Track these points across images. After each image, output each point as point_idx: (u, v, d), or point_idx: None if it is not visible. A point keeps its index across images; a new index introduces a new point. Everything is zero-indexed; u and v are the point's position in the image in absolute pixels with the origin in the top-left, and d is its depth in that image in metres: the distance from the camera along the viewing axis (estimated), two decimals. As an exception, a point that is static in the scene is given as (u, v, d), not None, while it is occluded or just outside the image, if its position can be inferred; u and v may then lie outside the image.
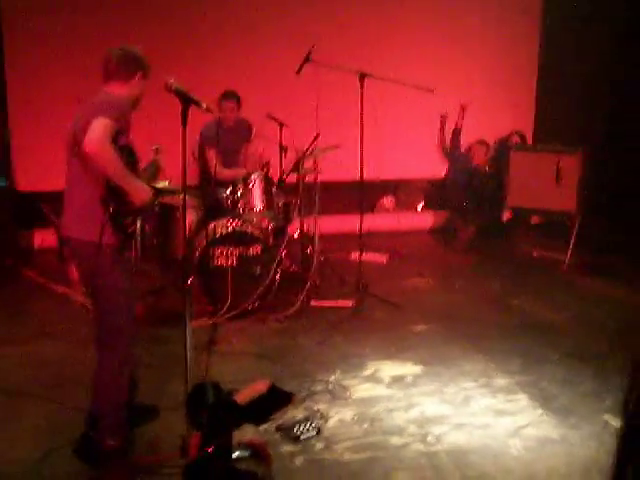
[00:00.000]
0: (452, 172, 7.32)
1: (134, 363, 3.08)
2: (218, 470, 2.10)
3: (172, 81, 2.63)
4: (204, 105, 2.63)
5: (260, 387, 2.15)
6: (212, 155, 5.22)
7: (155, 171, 3.07)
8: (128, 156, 2.70)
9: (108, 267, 2.78)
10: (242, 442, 2.52)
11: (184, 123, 2.54)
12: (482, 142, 7.25)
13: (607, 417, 3.33)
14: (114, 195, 2.68)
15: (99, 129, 2.56)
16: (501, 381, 3.71)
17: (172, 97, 2.70)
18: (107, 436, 2.89)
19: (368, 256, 5.62)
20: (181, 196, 2.74)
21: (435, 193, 7.52)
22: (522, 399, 3.51)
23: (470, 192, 6.99)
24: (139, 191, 2.75)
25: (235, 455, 2.52)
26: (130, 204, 2.75)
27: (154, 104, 3.44)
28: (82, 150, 2.58)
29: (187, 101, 2.59)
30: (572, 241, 5.84)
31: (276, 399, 2.55)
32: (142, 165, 2.95)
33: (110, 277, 2.81)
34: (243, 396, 2.46)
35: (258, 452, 2.51)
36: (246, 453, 2.58)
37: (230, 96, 5.27)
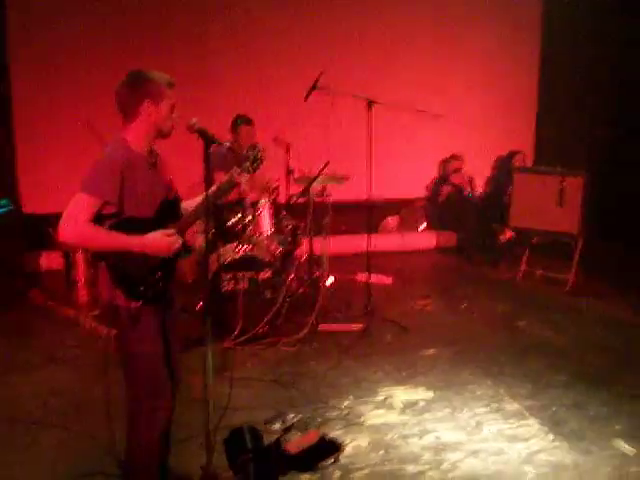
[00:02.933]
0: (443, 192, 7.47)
1: (167, 427, 2.81)
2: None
3: (195, 121, 2.57)
4: (227, 144, 2.63)
5: (312, 437, 2.18)
6: (220, 176, 5.25)
7: (228, 187, 2.82)
8: (163, 210, 2.56)
9: (125, 330, 2.59)
10: None
11: (207, 161, 2.52)
12: (455, 157, 7.42)
13: (617, 442, 3.37)
14: (115, 265, 2.52)
15: (73, 210, 2.41)
16: (512, 406, 3.75)
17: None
18: None
19: (374, 277, 5.68)
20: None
21: (437, 213, 7.61)
22: (533, 424, 3.55)
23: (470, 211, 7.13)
24: (149, 246, 2.52)
25: None
26: (140, 265, 2.54)
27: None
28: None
29: (210, 141, 2.55)
30: (575, 262, 5.91)
31: (324, 448, 2.58)
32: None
33: (127, 341, 2.61)
34: (294, 445, 2.49)
35: None
36: None
37: (249, 121, 5.27)
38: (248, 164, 2.78)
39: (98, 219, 2.46)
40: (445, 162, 7.59)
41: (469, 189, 7.33)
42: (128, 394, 2.70)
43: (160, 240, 2.56)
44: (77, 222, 2.40)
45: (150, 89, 2.54)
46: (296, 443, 2.98)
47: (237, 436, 3.03)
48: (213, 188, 2.70)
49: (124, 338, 2.62)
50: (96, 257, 2.57)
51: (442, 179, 7.53)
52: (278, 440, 2.92)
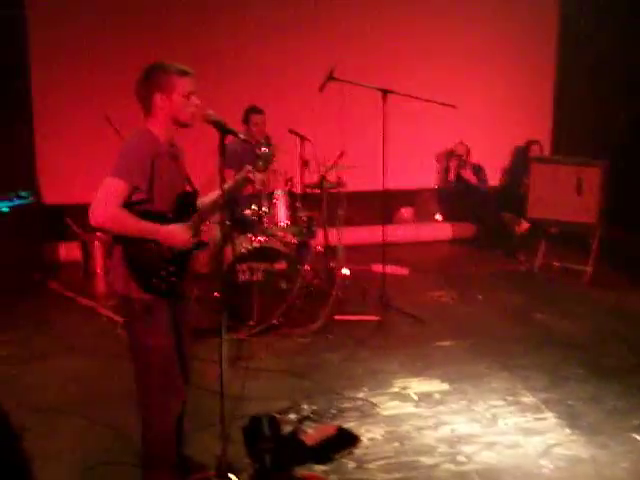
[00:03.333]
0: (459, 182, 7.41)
1: (180, 418, 2.83)
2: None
3: (211, 112, 2.59)
4: (241, 135, 2.63)
5: (330, 430, 2.19)
6: (230, 174, 5.26)
7: (241, 185, 2.86)
8: (181, 202, 2.56)
9: (138, 322, 2.60)
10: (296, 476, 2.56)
11: (223, 153, 2.53)
12: (462, 143, 7.35)
13: (635, 436, 3.34)
14: (132, 254, 2.53)
15: (104, 194, 2.42)
16: (528, 399, 3.73)
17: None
18: None
19: (390, 268, 5.67)
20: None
21: (449, 203, 7.56)
22: (550, 417, 3.53)
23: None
24: (170, 237, 2.55)
25: None
26: (155, 258, 2.56)
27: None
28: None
29: (225, 132, 2.57)
30: (593, 253, 5.85)
31: (342, 441, 2.59)
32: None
33: (140, 333, 2.62)
34: (312, 437, 2.50)
35: None
36: None
37: (260, 111, 5.35)
38: (261, 162, 2.80)
39: (127, 206, 2.48)
40: (448, 153, 7.53)
41: (479, 178, 7.24)
42: (139, 387, 2.71)
43: (180, 232, 2.58)
44: (108, 206, 2.41)
45: (160, 81, 2.54)
46: (314, 435, 2.99)
47: (256, 424, 3.05)
48: (226, 186, 2.70)
49: (136, 330, 2.63)
50: (116, 241, 2.56)
51: (447, 168, 7.45)
52: (295, 431, 2.94)
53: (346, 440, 3.17)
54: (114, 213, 2.43)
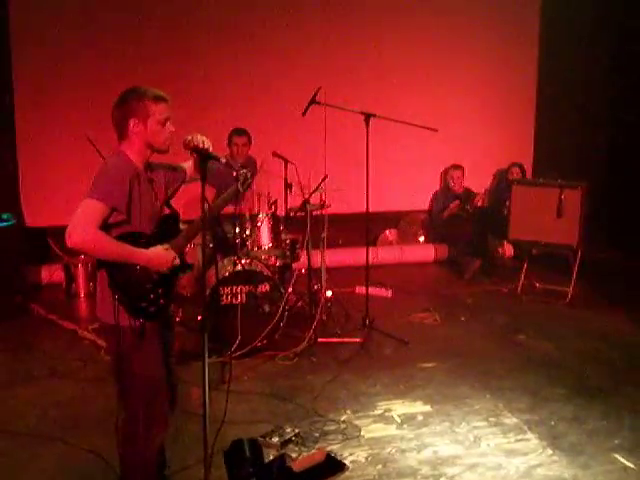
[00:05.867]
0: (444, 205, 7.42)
1: (162, 444, 2.83)
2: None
3: (190, 138, 2.58)
4: (223, 160, 2.63)
5: (318, 457, 2.18)
6: (209, 194, 5.26)
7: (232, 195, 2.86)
8: (162, 225, 2.56)
9: (128, 352, 2.54)
10: None
11: (204, 179, 2.53)
12: (457, 166, 7.40)
13: (617, 456, 3.36)
14: (117, 279, 2.50)
15: (82, 216, 2.38)
16: (510, 420, 3.74)
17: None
18: None
19: (373, 290, 5.70)
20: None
21: (435, 226, 7.60)
22: (532, 438, 3.55)
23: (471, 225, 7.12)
24: (152, 261, 2.54)
25: None
26: (142, 281, 2.55)
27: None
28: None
29: (206, 158, 2.55)
30: (574, 274, 5.92)
31: (329, 467, 2.58)
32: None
33: (131, 363, 2.56)
34: (300, 464, 2.49)
35: None
36: None
37: (242, 132, 5.42)
38: (239, 184, 2.82)
39: (105, 228, 2.46)
40: (445, 172, 7.59)
41: (474, 201, 7.25)
42: (125, 414, 2.67)
43: (163, 255, 2.58)
44: (86, 227, 2.38)
45: (135, 107, 2.52)
46: (302, 462, 2.97)
47: (238, 448, 3.03)
48: (216, 201, 2.72)
49: (127, 360, 2.57)
50: (100, 265, 2.53)
51: (449, 194, 7.45)
52: (282, 456, 2.91)
53: (333, 466, 3.16)
54: (92, 235, 2.39)
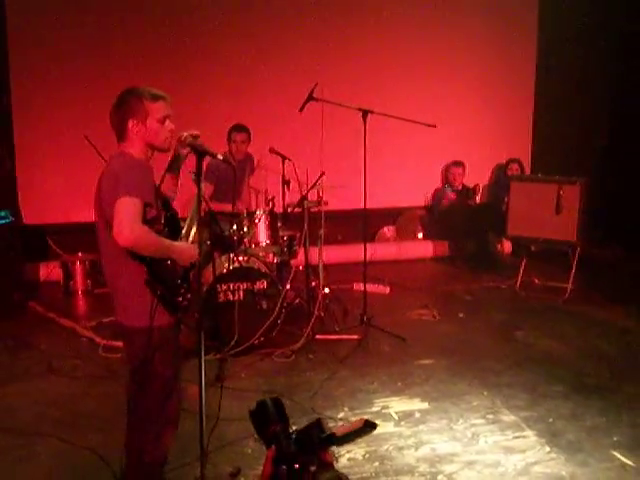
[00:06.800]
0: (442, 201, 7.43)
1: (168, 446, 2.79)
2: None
3: (186, 135, 2.57)
4: (220, 156, 2.61)
5: (358, 424, 2.14)
6: (208, 190, 5.26)
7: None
8: (167, 224, 2.52)
9: (156, 353, 2.51)
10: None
11: (199, 175, 2.52)
12: (458, 163, 7.39)
13: (615, 453, 3.35)
14: (158, 273, 2.47)
15: (125, 214, 2.33)
16: (508, 417, 3.73)
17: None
18: None
19: (371, 287, 5.69)
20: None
21: (433, 222, 7.60)
22: (530, 435, 3.54)
23: (467, 220, 7.12)
24: (183, 254, 2.53)
25: None
26: (174, 275, 2.52)
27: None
28: (114, 239, 2.35)
29: (202, 154, 2.53)
30: (573, 270, 5.91)
31: (365, 429, 2.53)
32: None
33: (152, 364, 2.53)
34: (342, 430, 2.46)
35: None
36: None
37: (242, 129, 5.40)
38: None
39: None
40: (446, 169, 7.58)
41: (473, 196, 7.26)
42: (137, 414, 2.65)
43: (187, 249, 2.58)
44: (133, 225, 2.33)
45: (133, 107, 2.49)
46: (344, 428, 2.95)
47: (263, 407, 3.00)
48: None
49: (150, 360, 2.52)
50: (141, 261, 2.45)
51: (445, 186, 7.48)
52: (319, 420, 2.85)
53: (368, 427, 3.15)
54: (139, 230, 2.35)
